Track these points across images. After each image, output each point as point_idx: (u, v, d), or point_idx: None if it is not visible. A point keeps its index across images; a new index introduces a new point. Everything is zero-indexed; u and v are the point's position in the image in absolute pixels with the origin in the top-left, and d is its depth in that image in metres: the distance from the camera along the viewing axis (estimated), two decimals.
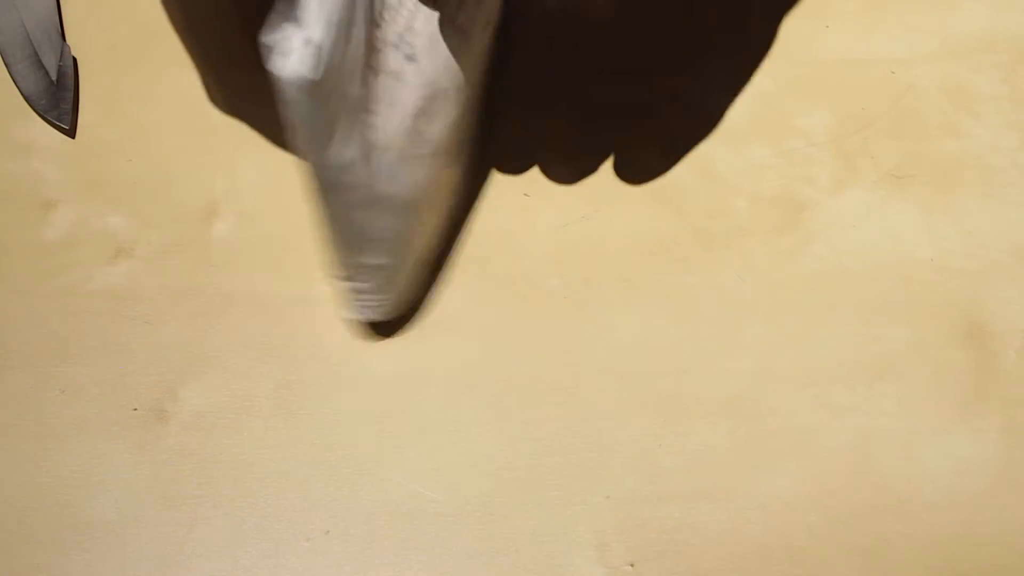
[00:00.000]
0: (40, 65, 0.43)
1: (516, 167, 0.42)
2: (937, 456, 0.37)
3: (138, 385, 0.38)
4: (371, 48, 0.32)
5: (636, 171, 0.42)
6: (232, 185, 0.42)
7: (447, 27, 0.34)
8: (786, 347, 0.39)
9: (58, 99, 0.43)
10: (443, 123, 0.36)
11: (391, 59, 0.33)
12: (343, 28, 0.31)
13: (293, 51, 0.30)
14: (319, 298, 0.40)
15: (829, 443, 0.37)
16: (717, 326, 0.39)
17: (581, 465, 0.37)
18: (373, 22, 0.32)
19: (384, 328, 0.39)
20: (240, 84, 0.43)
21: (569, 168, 0.42)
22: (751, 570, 0.36)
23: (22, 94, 0.43)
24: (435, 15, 0.34)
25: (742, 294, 0.40)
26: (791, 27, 0.45)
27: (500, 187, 0.42)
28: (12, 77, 0.44)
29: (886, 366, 0.39)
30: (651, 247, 0.40)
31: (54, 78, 0.43)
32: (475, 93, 0.38)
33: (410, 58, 0.33)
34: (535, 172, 0.42)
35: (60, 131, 0.43)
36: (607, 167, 0.42)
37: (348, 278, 0.37)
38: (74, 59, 0.44)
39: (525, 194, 0.42)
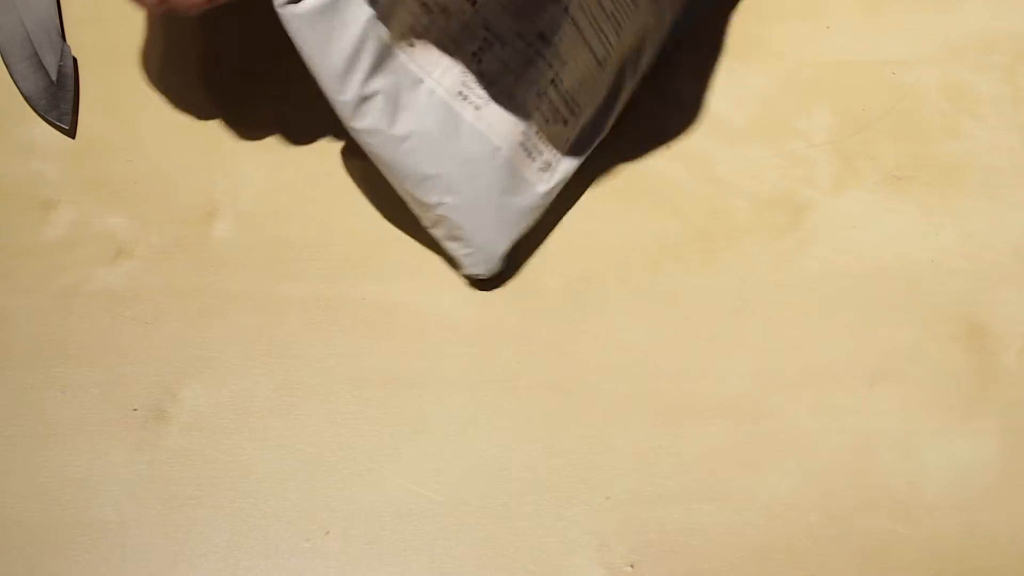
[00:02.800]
0: (40, 65, 0.43)
1: None
2: (937, 457, 0.37)
3: (138, 385, 0.38)
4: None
5: (633, 170, 0.42)
6: (232, 185, 0.42)
7: None
8: (786, 348, 0.39)
9: (58, 99, 0.43)
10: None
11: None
12: None
13: None
14: (319, 298, 0.40)
15: (829, 444, 0.37)
16: (717, 326, 0.39)
17: (581, 466, 0.37)
18: None
19: (384, 328, 0.39)
20: (242, 86, 0.44)
21: None
22: (751, 571, 0.36)
23: (22, 94, 0.43)
24: None
25: (742, 294, 0.40)
26: (791, 27, 0.45)
27: None
28: (12, 77, 0.44)
29: (886, 367, 0.39)
30: (651, 247, 0.40)
31: (54, 78, 0.43)
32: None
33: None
34: None
35: (60, 131, 0.43)
36: (608, 167, 0.42)
37: (428, 224, 0.38)
38: (74, 59, 0.44)
39: None
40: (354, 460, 0.37)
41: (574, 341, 0.39)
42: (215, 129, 0.43)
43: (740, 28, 0.45)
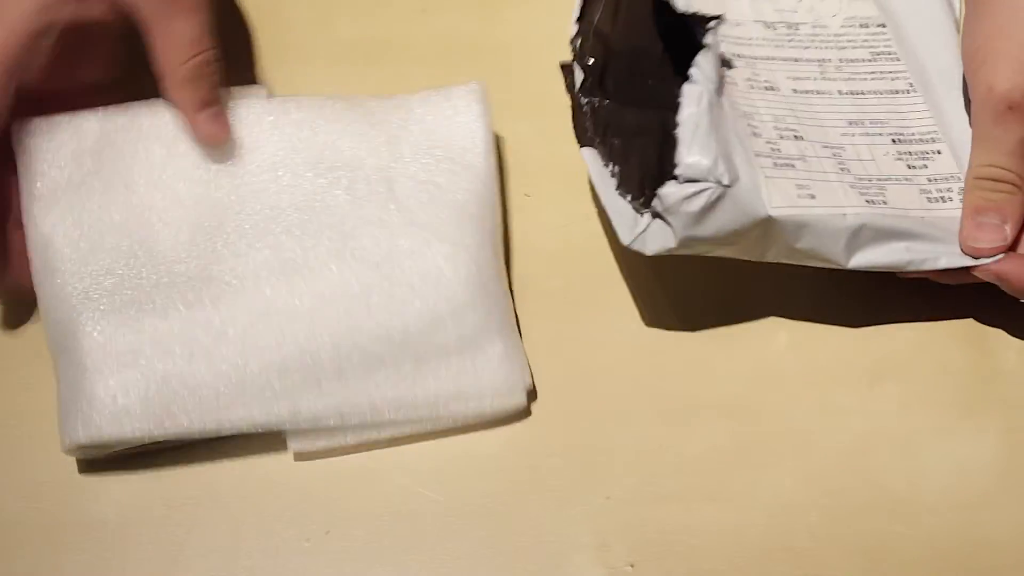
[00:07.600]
0: None
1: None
2: (937, 457, 0.37)
3: None
4: None
5: None
6: None
7: None
8: (786, 348, 0.39)
9: None
10: None
11: None
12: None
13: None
14: None
15: (830, 444, 0.37)
16: (717, 326, 0.39)
17: (581, 465, 0.37)
18: None
19: None
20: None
21: None
22: (751, 570, 0.36)
23: None
24: None
25: (742, 294, 0.40)
26: None
27: (500, 187, 0.41)
28: None
29: (886, 367, 0.39)
30: None
31: None
32: None
33: None
34: (536, 172, 0.42)
35: None
36: None
37: None
38: None
39: (526, 194, 0.42)
40: (354, 460, 0.37)
41: (575, 341, 0.39)
42: None
43: None
